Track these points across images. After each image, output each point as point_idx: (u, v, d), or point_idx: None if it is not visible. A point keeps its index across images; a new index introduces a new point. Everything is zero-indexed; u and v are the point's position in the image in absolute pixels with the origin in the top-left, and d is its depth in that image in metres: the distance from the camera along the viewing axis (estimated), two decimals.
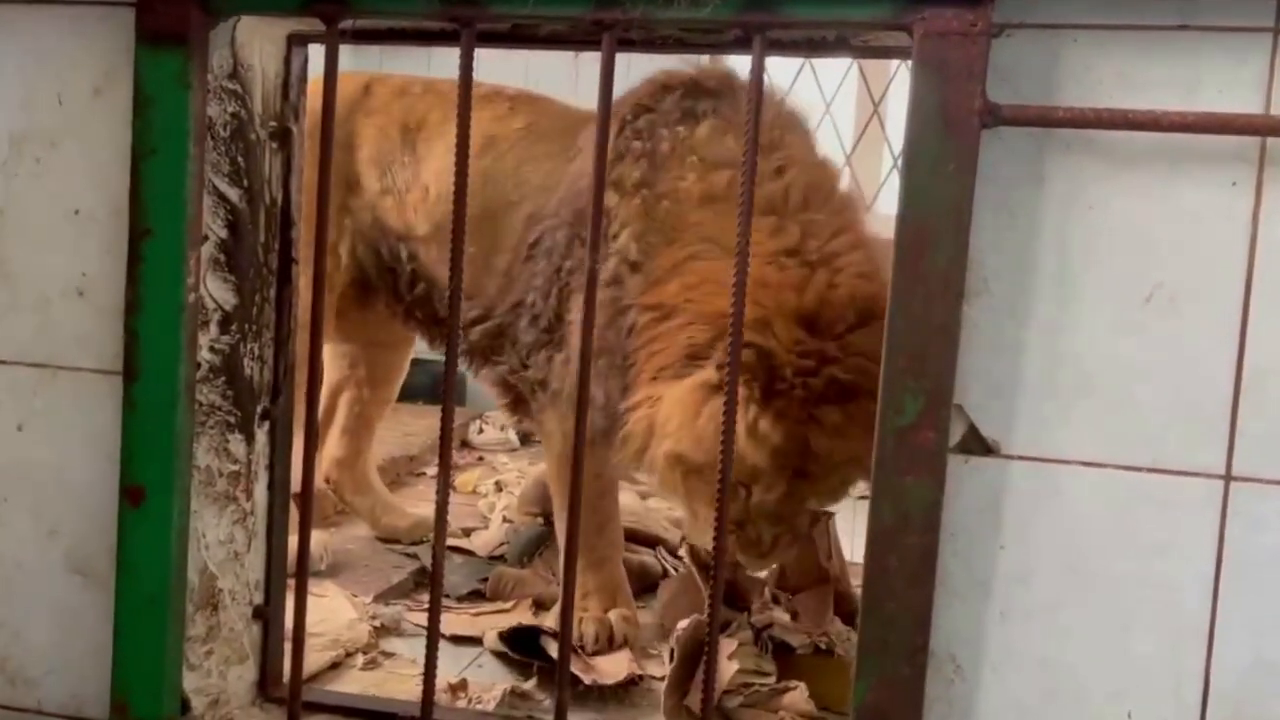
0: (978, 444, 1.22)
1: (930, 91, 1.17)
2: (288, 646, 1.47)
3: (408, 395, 3.98)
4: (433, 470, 3.30)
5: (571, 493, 1.36)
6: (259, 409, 1.49)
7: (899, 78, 3.83)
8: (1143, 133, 1.16)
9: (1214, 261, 1.17)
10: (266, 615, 1.53)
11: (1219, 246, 1.17)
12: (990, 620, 1.23)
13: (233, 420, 1.46)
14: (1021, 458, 1.22)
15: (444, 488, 1.38)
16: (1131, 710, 1.20)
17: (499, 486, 3.13)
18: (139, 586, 1.39)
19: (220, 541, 1.47)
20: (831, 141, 3.93)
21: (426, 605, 2.13)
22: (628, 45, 1.35)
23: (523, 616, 2.16)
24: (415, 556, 2.48)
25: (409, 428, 3.49)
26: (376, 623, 2.07)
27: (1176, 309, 1.18)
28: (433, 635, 1.39)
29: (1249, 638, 1.18)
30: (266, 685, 1.55)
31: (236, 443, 1.46)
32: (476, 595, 2.28)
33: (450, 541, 2.52)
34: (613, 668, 1.85)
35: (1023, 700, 1.23)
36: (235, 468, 1.47)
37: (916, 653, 1.20)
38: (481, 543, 2.62)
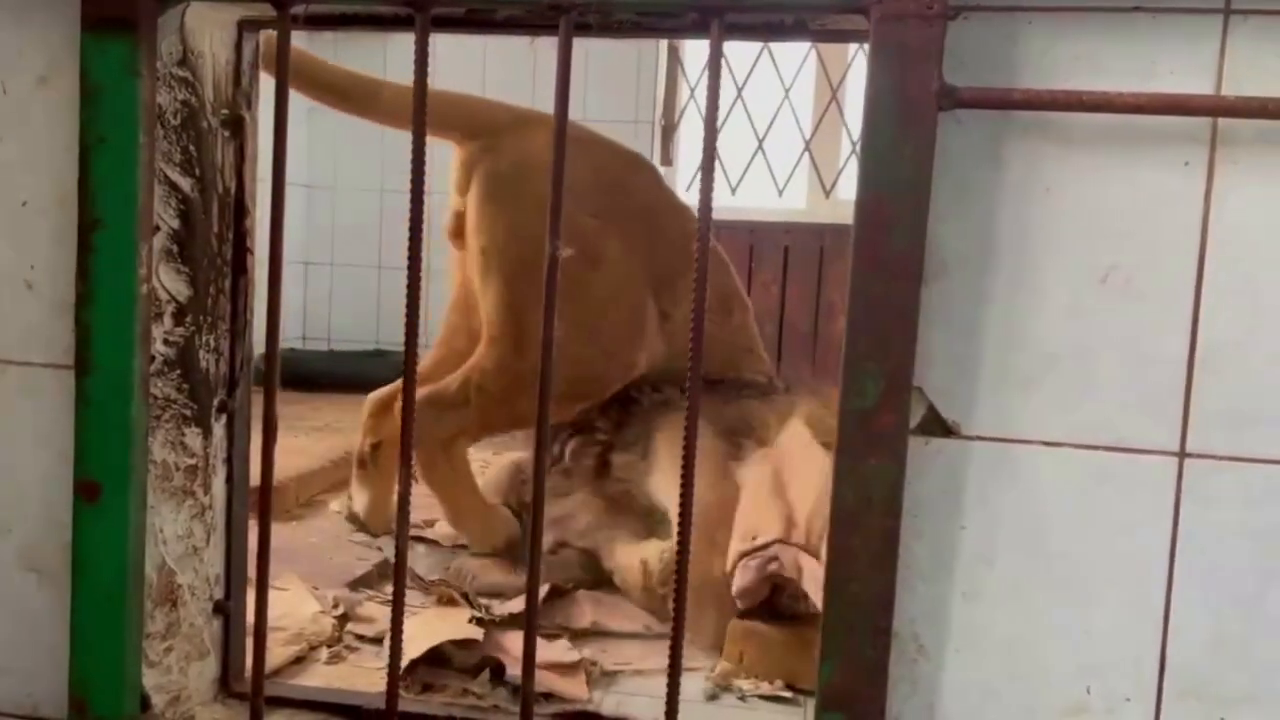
0: (938, 425, 1.23)
1: (887, 74, 1.17)
2: (249, 641, 1.45)
3: (369, 387, 3.97)
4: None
5: (536, 483, 1.35)
6: (215, 402, 1.47)
7: (857, 62, 3.84)
8: (1098, 114, 1.17)
9: (1168, 242, 1.19)
10: (227, 610, 1.51)
11: (1172, 227, 1.18)
12: (953, 600, 1.24)
13: (189, 414, 1.43)
14: (981, 438, 1.23)
15: (405, 479, 1.37)
16: (1091, 685, 1.22)
17: None
18: (95, 584, 1.36)
19: (178, 537, 1.45)
20: (790, 127, 3.94)
21: (389, 598, 2.13)
22: (584, 30, 1.34)
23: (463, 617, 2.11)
24: (379, 550, 2.47)
25: None
26: (339, 611, 2.05)
27: (1132, 289, 1.19)
28: (396, 627, 1.38)
29: (1204, 612, 1.20)
30: (228, 680, 1.53)
31: (193, 436, 1.44)
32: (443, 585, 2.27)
33: (413, 531, 2.51)
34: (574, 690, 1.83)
35: (986, 678, 1.24)
36: (192, 462, 1.45)
37: (880, 634, 1.21)
38: (446, 532, 2.61)
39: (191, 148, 1.40)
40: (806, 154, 3.96)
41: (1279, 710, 1.19)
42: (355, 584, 2.26)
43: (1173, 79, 1.17)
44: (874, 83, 1.18)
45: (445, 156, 2.90)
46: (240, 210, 1.48)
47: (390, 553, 2.38)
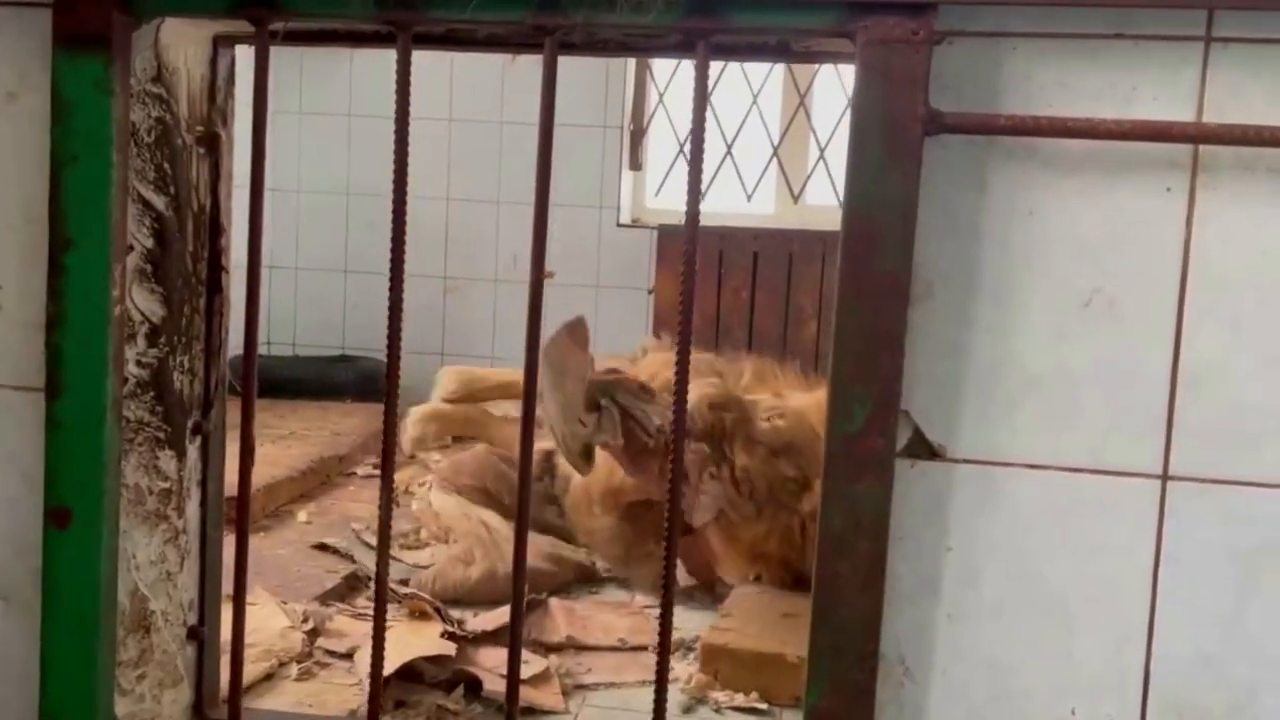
0: (924, 448, 1.24)
1: (873, 99, 1.17)
2: (225, 660, 1.43)
3: (335, 393, 3.93)
4: (363, 470, 3.25)
5: (520, 504, 1.34)
6: (190, 424, 1.44)
7: (824, 69, 3.85)
8: (1081, 140, 1.18)
9: (1150, 266, 1.20)
10: (201, 636, 1.48)
11: (1154, 251, 1.20)
12: (939, 622, 1.24)
13: (162, 436, 1.40)
14: (966, 461, 1.23)
15: (386, 501, 1.35)
16: (1075, 706, 1.23)
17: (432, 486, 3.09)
18: (67, 611, 1.33)
19: (151, 562, 1.42)
20: (759, 133, 3.95)
21: (360, 610, 2.11)
22: (569, 48, 1.32)
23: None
24: (350, 558, 2.44)
25: (337, 426, 3.43)
26: (308, 626, 2.02)
27: (1115, 313, 1.20)
28: (378, 649, 1.36)
29: (1187, 633, 1.21)
30: (201, 706, 1.50)
31: (167, 459, 1.41)
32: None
33: (372, 540, 2.48)
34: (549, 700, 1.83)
35: (971, 700, 1.25)
36: (166, 485, 1.42)
37: (868, 657, 1.21)
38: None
39: (166, 165, 1.37)
40: (775, 160, 3.97)
41: None
42: (325, 597, 2.23)
43: (1154, 105, 1.18)
44: (860, 107, 1.18)
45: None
46: (215, 228, 1.45)
47: (358, 564, 2.36)
